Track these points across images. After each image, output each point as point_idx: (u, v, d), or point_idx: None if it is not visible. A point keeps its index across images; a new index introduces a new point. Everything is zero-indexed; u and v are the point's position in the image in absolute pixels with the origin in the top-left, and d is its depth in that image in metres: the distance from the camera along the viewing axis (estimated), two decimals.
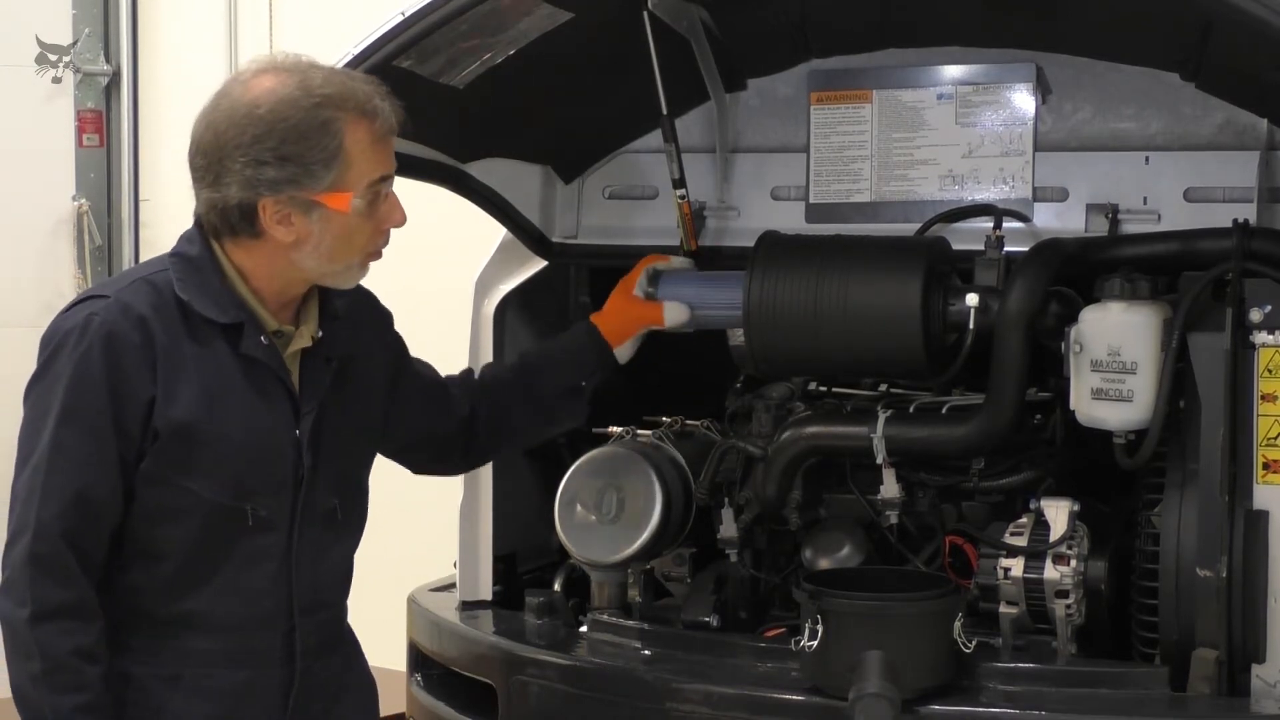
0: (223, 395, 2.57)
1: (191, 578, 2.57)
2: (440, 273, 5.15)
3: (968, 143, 3.47)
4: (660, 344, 3.37)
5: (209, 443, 2.55)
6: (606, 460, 3.44)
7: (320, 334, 2.69)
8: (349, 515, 2.74)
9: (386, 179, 2.64)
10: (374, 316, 2.88)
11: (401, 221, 2.67)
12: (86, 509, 2.48)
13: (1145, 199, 3.32)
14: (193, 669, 2.58)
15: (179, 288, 2.56)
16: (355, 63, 2.97)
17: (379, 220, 2.64)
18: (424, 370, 3.02)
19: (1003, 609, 3.12)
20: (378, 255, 2.68)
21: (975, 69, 3.47)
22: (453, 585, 3.71)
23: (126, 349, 2.50)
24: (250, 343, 2.59)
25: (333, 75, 2.59)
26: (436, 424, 3.00)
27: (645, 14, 3.18)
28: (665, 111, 3.34)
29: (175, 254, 2.61)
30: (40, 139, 6.35)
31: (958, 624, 2.91)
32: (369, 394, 2.81)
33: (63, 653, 2.44)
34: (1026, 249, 3.23)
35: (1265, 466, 2.90)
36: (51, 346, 2.53)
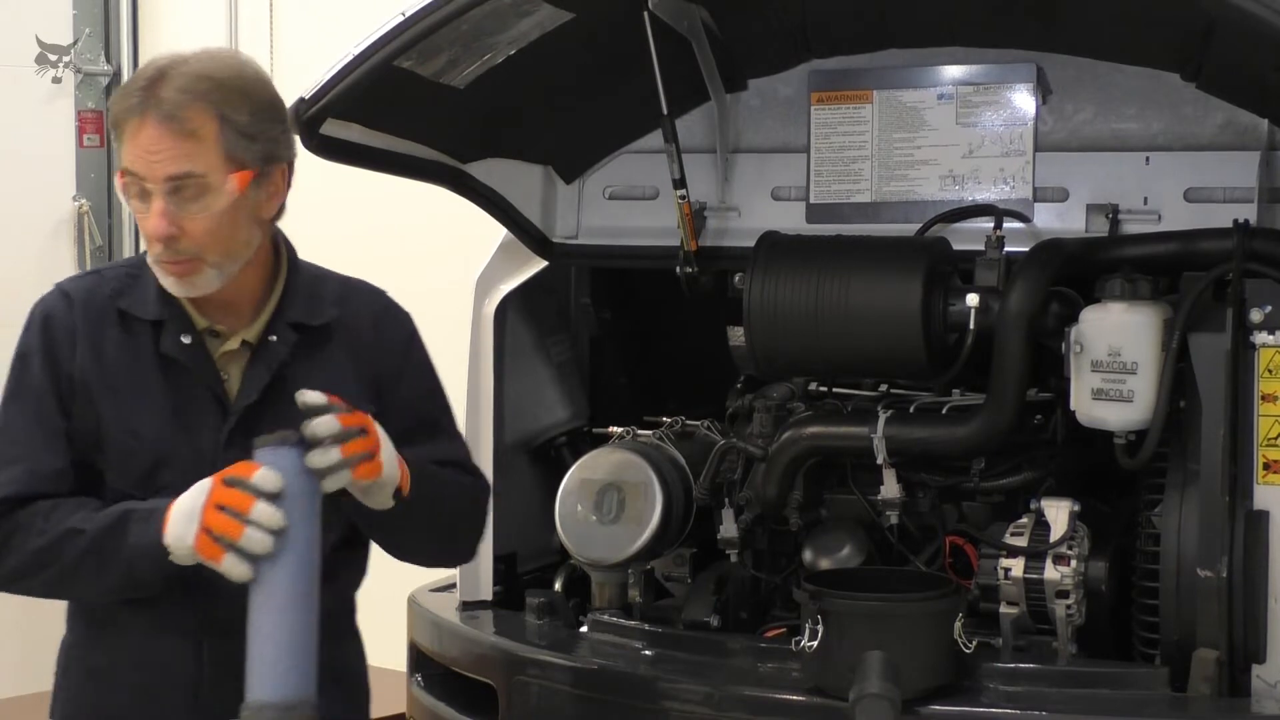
0: (138, 391, 2.57)
1: None
2: (440, 273, 5.15)
3: (968, 143, 3.47)
4: (660, 344, 3.37)
5: (116, 435, 2.56)
6: (606, 460, 3.44)
7: (274, 339, 2.60)
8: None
9: (130, 174, 2.48)
10: (374, 352, 2.69)
11: (149, 232, 2.49)
12: (35, 481, 2.53)
13: (1146, 199, 3.32)
14: (113, 639, 2.62)
15: (113, 284, 2.61)
16: (355, 63, 2.97)
17: (146, 221, 2.50)
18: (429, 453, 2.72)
19: (1003, 609, 3.12)
20: (168, 265, 2.51)
21: (976, 69, 3.47)
22: (453, 585, 3.71)
23: (59, 329, 2.59)
24: (169, 341, 2.57)
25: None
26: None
27: (646, 14, 3.18)
28: (666, 111, 3.34)
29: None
30: (40, 139, 6.35)
31: (958, 624, 2.91)
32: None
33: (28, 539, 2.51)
34: (1027, 249, 3.23)
35: (1266, 466, 2.90)
36: None
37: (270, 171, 2.57)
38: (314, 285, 2.70)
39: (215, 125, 2.48)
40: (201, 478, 2.45)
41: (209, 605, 2.54)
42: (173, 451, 2.57)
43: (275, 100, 2.60)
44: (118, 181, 2.53)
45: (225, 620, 2.48)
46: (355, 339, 2.68)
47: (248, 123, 2.51)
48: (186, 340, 2.58)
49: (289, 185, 2.64)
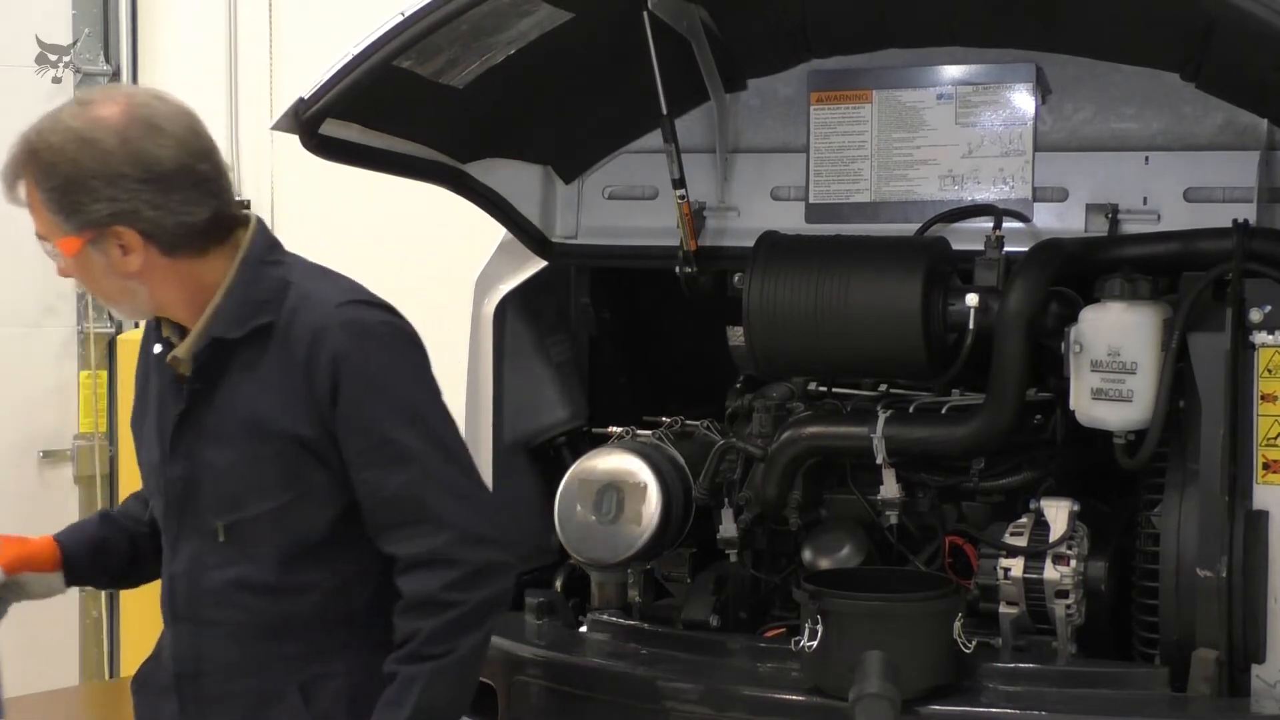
0: (145, 398, 2.78)
1: None
2: (440, 273, 5.15)
3: (968, 143, 3.47)
4: (660, 344, 3.37)
5: (136, 438, 2.81)
6: (606, 460, 3.44)
7: (198, 353, 2.63)
8: (240, 544, 2.64)
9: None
10: (307, 369, 2.59)
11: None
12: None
13: (1145, 199, 3.32)
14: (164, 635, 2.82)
15: None
16: (355, 63, 2.97)
17: None
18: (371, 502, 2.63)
19: (1003, 609, 3.12)
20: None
21: (975, 69, 3.47)
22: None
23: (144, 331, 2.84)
24: (148, 346, 2.74)
25: None
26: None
27: (645, 14, 3.18)
28: (665, 111, 3.34)
29: None
30: None
31: (958, 624, 2.91)
32: (248, 426, 2.61)
33: None
34: (1026, 249, 3.23)
35: (1265, 466, 2.90)
36: None
37: (104, 236, 2.55)
38: (264, 295, 2.63)
39: (37, 193, 2.56)
40: (162, 485, 2.69)
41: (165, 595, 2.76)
42: (152, 459, 2.74)
43: (74, 174, 2.53)
44: None
45: (183, 609, 2.72)
46: (290, 356, 2.60)
47: (47, 196, 2.55)
48: (158, 350, 2.72)
49: (155, 242, 2.58)
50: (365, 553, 2.66)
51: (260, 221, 2.72)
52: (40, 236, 2.61)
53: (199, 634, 2.70)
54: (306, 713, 2.65)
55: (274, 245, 2.72)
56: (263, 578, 2.65)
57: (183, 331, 2.68)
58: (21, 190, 2.57)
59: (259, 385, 2.60)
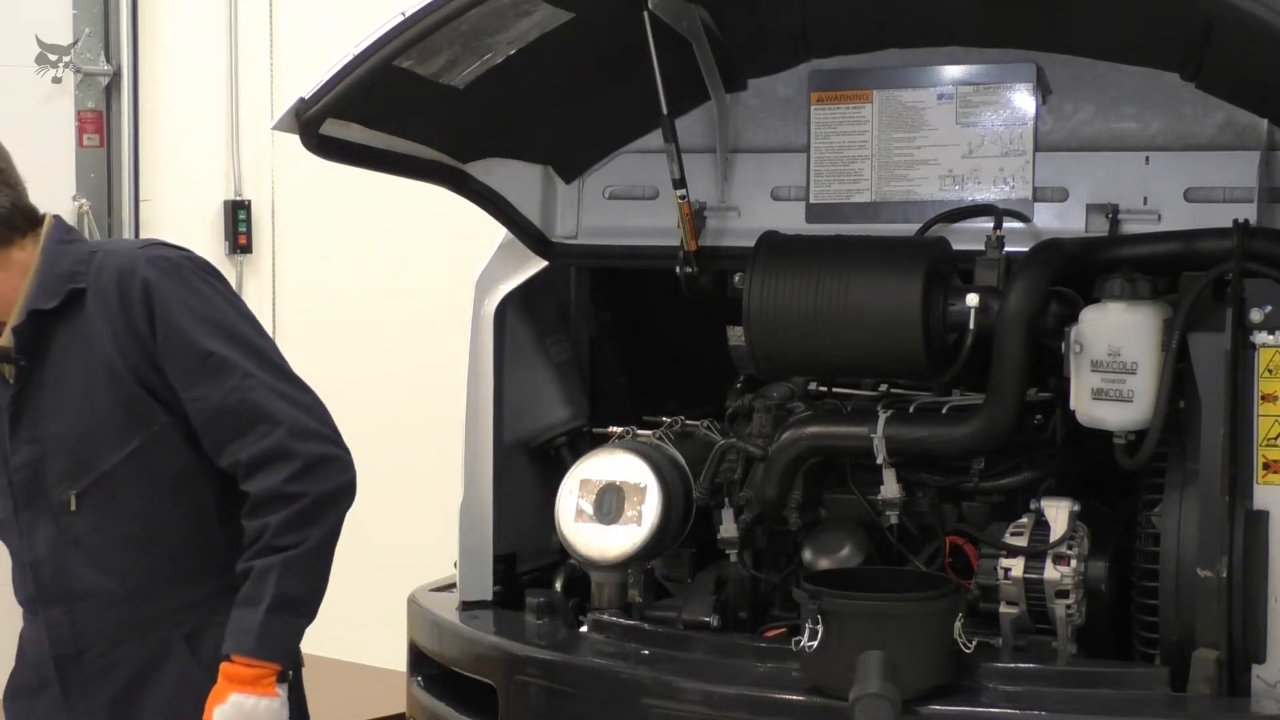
0: None
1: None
2: (440, 273, 5.15)
3: (968, 143, 3.47)
4: (660, 344, 3.37)
5: None
6: (606, 460, 3.44)
7: (17, 328, 2.73)
8: (98, 506, 2.74)
9: None
10: (123, 312, 2.73)
11: None
12: None
13: (1145, 199, 3.32)
14: (23, 632, 2.91)
15: None
16: (355, 63, 2.97)
17: None
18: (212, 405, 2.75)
19: (1003, 609, 3.12)
20: None
21: (975, 69, 3.47)
22: (453, 585, 3.71)
23: None
24: None
25: None
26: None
27: (645, 14, 3.18)
28: (665, 111, 3.34)
29: None
30: (40, 139, 6.34)
31: (958, 624, 2.91)
32: (84, 387, 2.73)
33: None
34: (1027, 249, 3.23)
35: (1265, 466, 2.90)
36: None
37: None
38: (70, 266, 2.76)
39: None
40: (6, 481, 2.77)
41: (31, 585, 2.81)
42: None
43: None
44: None
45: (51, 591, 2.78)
46: (105, 303, 2.73)
47: None
48: None
49: None
50: (226, 491, 2.77)
51: (57, 216, 2.86)
52: None
53: (73, 612, 2.77)
54: (195, 662, 2.76)
55: (70, 229, 2.88)
56: (128, 530, 2.75)
57: None
58: None
59: (84, 342, 2.72)
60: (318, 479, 2.70)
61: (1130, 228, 3.30)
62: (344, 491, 2.74)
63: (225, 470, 2.75)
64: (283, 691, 2.69)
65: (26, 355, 2.73)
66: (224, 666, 2.67)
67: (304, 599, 2.70)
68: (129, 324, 2.70)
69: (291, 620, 2.69)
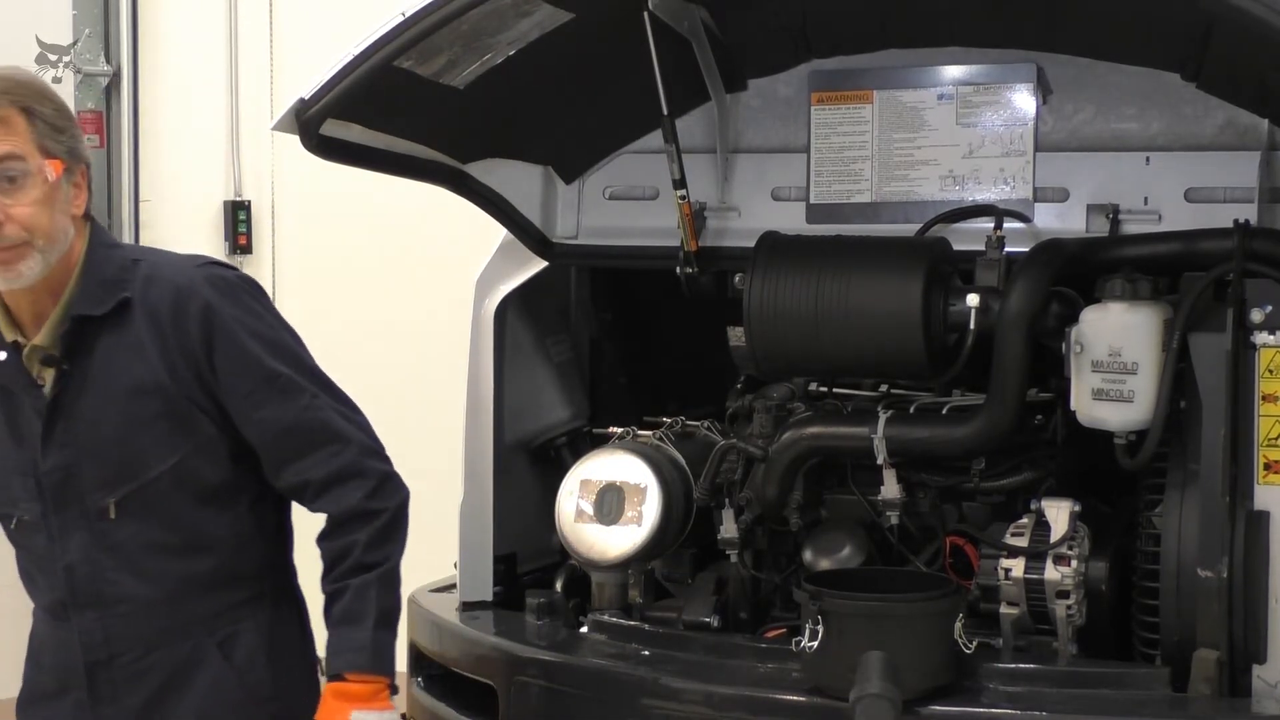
0: None
1: (20, 561, 2.85)
2: (441, 272, 5.15)
3: (968, 143, 3.47)
4: (660, 344, 3.36)
5: None
6: (606, 460, 3.44)
7: (63, 333, 2.69)
8: (137, 514, 2.72)
9: None
10: (176, 332, 2.71)
11: None
12: None
13: (1146, 199, 3.32)
14: (35, 637, 2.88)
15: None
16: (355, 63, 2.97)
17: None
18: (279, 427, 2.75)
19: (1003, 610, 3.12)
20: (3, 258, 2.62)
21: (976, 69, 3.47)
22: (453, 586, 3.71)
23: None
24: None
25: None
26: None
27: (646, 14, 3.18)
28: (666, 112, 3.33)
29: None
30: None
31: (958, 624, 2.91)
32: (128, 397, 2.70)
33: None
34: (1027, 249, 3.23)
35: (1266, 467, 2.90)
36: None
37: (75, 168, 2.70)
38: (117, 272, 2.75)
39: (22, 117, 2.62)
40: (33, 484, 2.71)
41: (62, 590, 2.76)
42: (15, 463, 2.74)
43: (66, 106, 2.74)
44: None
45: (85, 596, 2.73)
46: (156, 319, 2.71)
47: (53, 115, 2.66)
48: (1, 356, 2.71)
49: (90, 188, 2.76)
50: (260, 502, 2.80)
51: (94, 218, 2.84)
52: (8, 158, 2.60)
53: (106, 617, 2.74)
54: (228, 665, 2.76)
55: (108, 233, 2.87)
56: (168, 540, 2.73)
57: (18, 333, 2.71)
58: (3, 111, 2.60)
59: (130, 353, 2.69)
60: (390, 496, 2.77)
61: (1131, 228, 3.30)
62: (406, 507, 2.80)
63: (280, 487, 2.77)
64: (395, 703, 2.72)
65: (69, 360, 2.70)
66: (335, 686, 2.69)
67: (395, 612, 2.76)
68: (182, 344, 2.69)
69: (390, 634, 2.73)
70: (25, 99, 2.62)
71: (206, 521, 2.76)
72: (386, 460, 2.80)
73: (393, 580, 2.76)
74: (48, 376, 2.71)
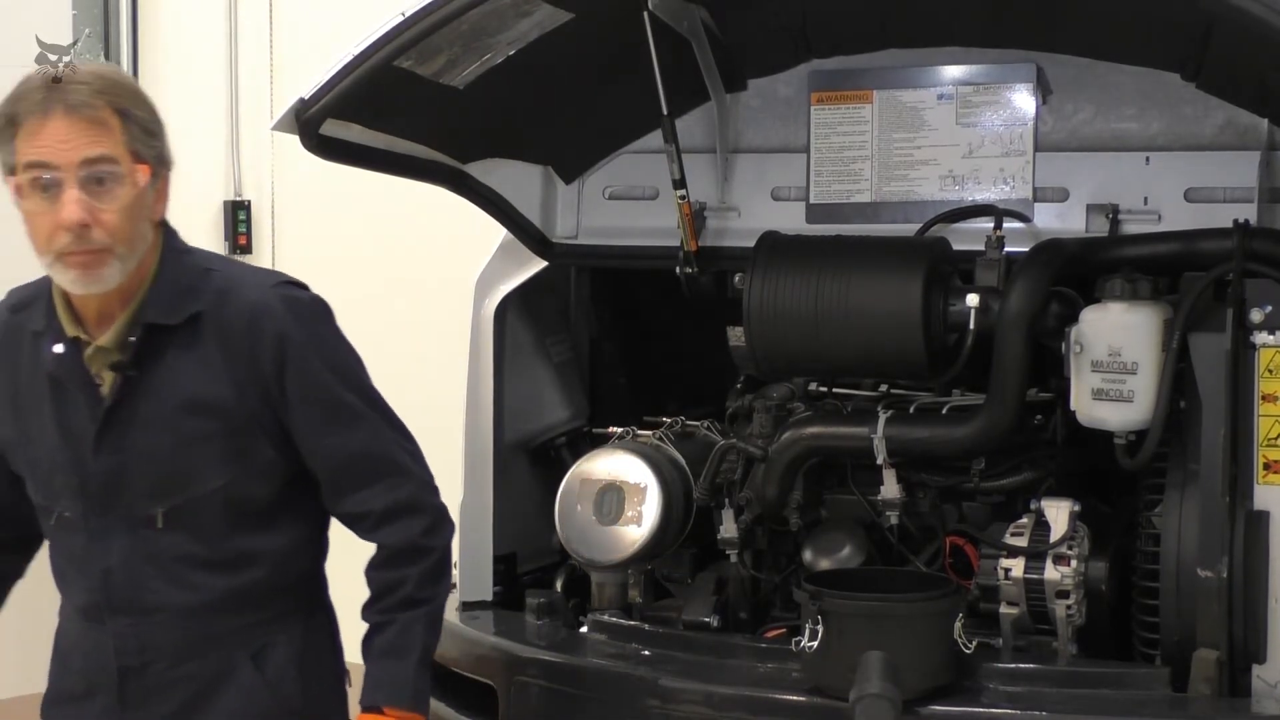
0: (36, 401, 2.70)
1: (54, 557, 2.80)
2: (440, 273, 5.15)
3: (968, 143, 3.47)
4: (660, 344, 3.36)
5: (20, 445, 2.73)
6: (606, 460, 3.44)
7: (132, 340, 2.64)
8: (184, 525, 2.68)
9: (39, 165, 2.54)
10: (248, 350, 2.66)
11: (65, 221, 2.52)
12: None
13: (1146, 199, 3.32)
14: (64, 637, 2.83)
15: (18, 299, 2.75)
16: (355, 63, 2.97)
17: (55, 214, 2.54)
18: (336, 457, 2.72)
19: (1003, 609, 3.12)
20: (75, 256, 2.55)
21: (976, 69, 3.47)
22: (453, 585, 3.71)
23: None
24: (45, 351, 2.67)
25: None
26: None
27: (645, 14, 3.18)
28: (666, 112, 3.34)
29: None
30: None
31: (958, 624, 2.91)
32: (190, 410, 2.66)
33: None
34: (1027, 249, 3.23)
35: (1266, 467, 2.90)
36: None
37: (161, 173, 2.66)
38: (190, 280, 2.70)
39: (117, 119, 2.58)
40: (78, 483, 2.65)
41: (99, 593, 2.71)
42: (62, 459, 2.69)
43: (157, 109, 2.70)
44: (9, 184, 2.57)
45: (122, 602, 2.69)
46: (228, 336, 2.67)
47: (146, 118, 2.62)
48: (59, 350, 2.66)
49: (166, 200, 2.71)
50: (306, 520, 2.77)
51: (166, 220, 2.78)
52: (102, 160, 2.54)
53: (142, 624, 2.70)
54: (260, 677, 2.73)
55: (179, 237, 2.79)
56: (212, 554, 2.70)
57: (60, 332, 2.67)
58: (101, 111, 2.56)
59: (198, 366, 2.65)
60: (442, 534, 2.76)
61: (1130, 228, 3.30)
62: (451, 548, 2.80)
63: (338, 514, 2.76)
64: None
65: (136, 366, 2.64)
66: (372, 718, 2.69)
67: (434, 649, 2.75)
68: (253, 365, 2.65)
69: (430, 671, 2.73)
70: (122, 101, 2.59)
71: (253, 538, 2.72)
72: (438, 495, 2.77)
73: (438, 620, 2.74)
74: (107, 378, 2.66)
